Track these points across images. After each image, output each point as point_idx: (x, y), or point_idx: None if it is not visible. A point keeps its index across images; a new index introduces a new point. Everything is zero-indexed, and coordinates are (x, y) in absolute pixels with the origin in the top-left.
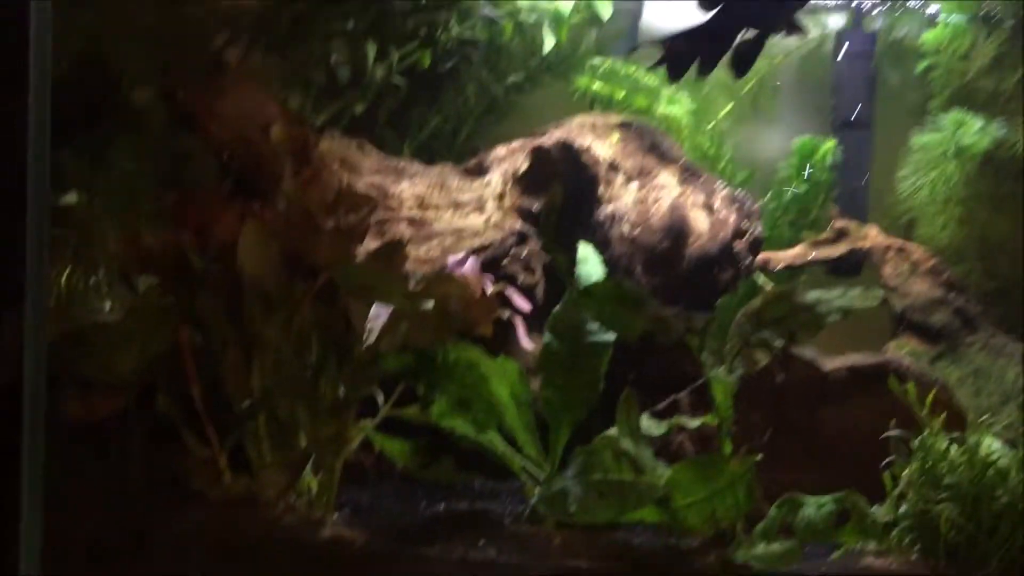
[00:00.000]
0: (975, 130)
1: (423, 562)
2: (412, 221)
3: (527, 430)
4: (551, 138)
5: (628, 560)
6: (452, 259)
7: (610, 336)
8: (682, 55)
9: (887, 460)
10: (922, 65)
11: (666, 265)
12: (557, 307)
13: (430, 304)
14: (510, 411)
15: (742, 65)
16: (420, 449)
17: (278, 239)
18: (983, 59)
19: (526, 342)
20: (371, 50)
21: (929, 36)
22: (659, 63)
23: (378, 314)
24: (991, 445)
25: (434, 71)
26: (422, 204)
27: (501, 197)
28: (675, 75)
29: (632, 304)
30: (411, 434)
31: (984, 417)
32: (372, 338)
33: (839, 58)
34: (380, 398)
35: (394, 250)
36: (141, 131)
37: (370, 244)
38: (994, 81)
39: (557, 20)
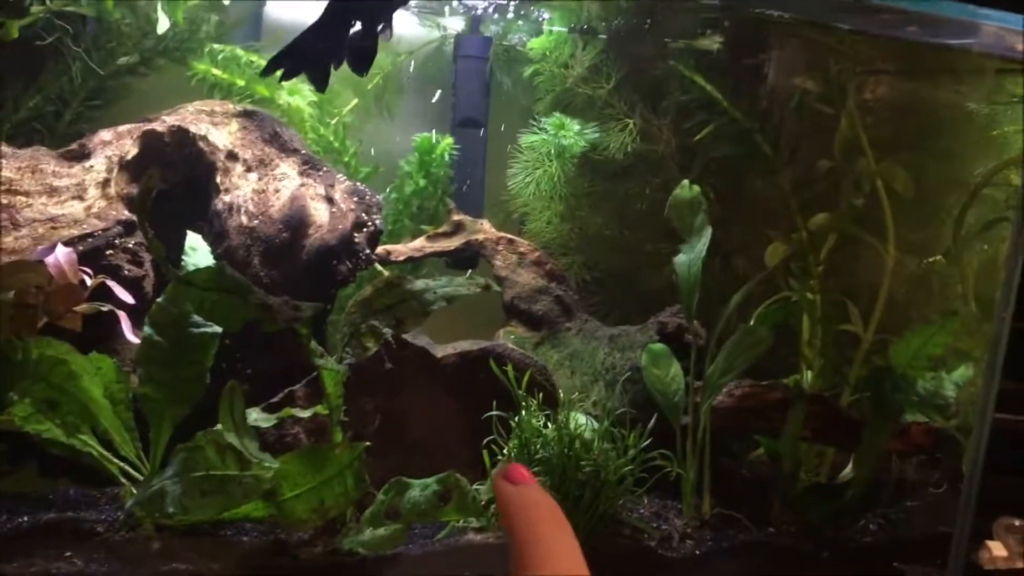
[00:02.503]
0: (573, 133)
1: None
2: (5, 207)
3: (125, 430)
4: (164, 123)
5: (232, 558)
6: (40, 248)
7: (217, 328)
8: (311, 59)
9: (487, 439)
10: (529, 70)
11: (285, 256)
12: (159, 298)
13: (6, 295)
14: (105, 411)
15: (361, 63)
16: None
17: None
18: (581, 68)
19: (131, 336)
20: None
21: (535, 43)
22: (278, 69)
23: None
24: (578, 420)
25: (32, 47)
26: (9, 189)
27: (106, 184)
28: (321, 85)
29: (235, 292)
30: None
31: (575, 395)
32: None
33: (458, 60)
34: None
35: None
36: None
37: None
38: (590, 88)
39: (173, 1)
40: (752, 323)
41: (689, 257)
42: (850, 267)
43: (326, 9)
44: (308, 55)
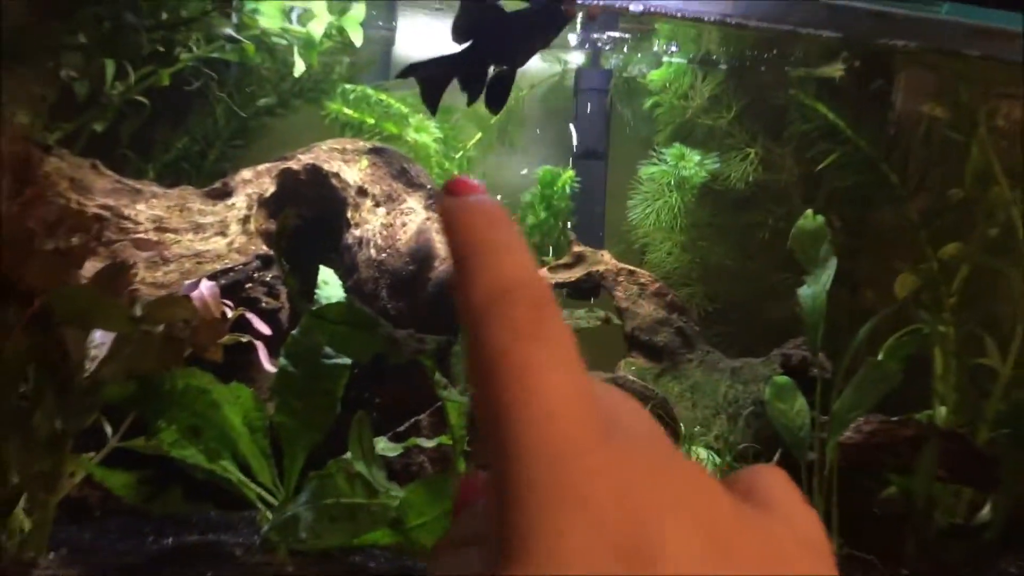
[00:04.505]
0: (694, 163)
1: None
2: (145, 243)
3: (262, 457)
4: (299, 162)
5: None
6: (187, 284)
7: (347, 360)
8: (436, 83)
9: None
10: (649, 102)
11: (411, 288)
12: (294, 331)
13: (156, 329)
14: (244, 438)
15: (497, 101)
16: (146, 481)
17: None
18: (701, 98)
19: (268, 366)
20: (109, 66)
21: (655, 75)
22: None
23: (101, 341)
24: (700, 454)
25: (180, 91)
26: (160, 227)
27: (246, 220)
28: (431, 106)
29: (364, 326)
30: (148, 466)
31: (696, 429)
32: (93, 366)
33: (578, 93)
34: (109, 429)
35: (116, 273)
36: None
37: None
38: (711, 119)
39: (308, 44)
40: (881, 356)
41: (813, 289)
42: (986, 298)
43: (466, 48)
44: (430, 77)
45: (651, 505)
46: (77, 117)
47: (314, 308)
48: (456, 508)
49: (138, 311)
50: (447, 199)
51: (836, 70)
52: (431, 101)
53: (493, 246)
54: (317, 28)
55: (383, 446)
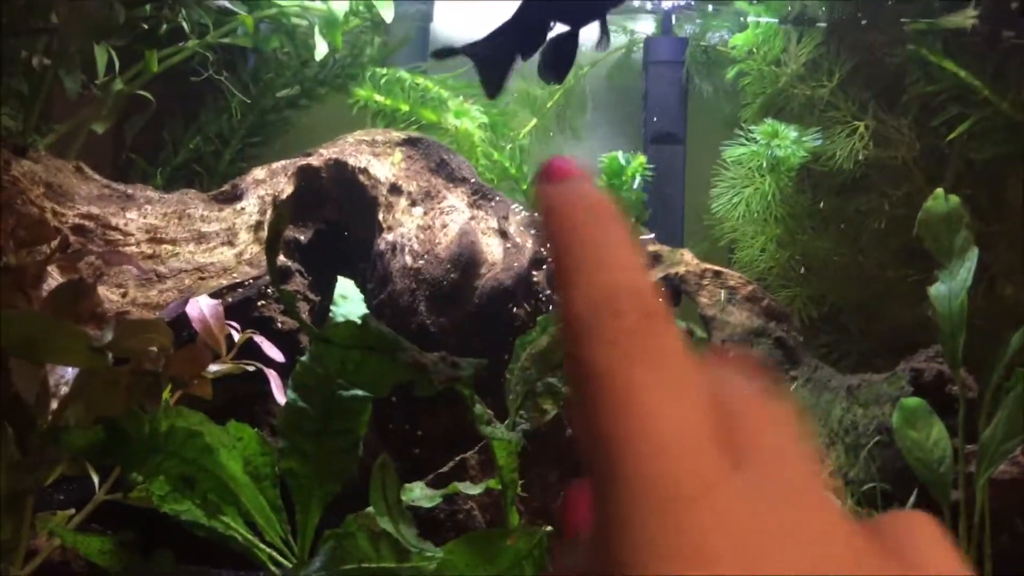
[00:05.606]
0: (789, 141)
1: None
2: (119, 256)
3: (271, 511)
4: (321, 157)
5: None
6: (172, 304)
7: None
8: (498, 63)
9: None
10: (732, 71)
11: (454, 300)
12: (303, 357)
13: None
14: (246, 489)
15: (558, 69)
16: (127, 544)
17: None
18: (796, 64)
19: (281, 398)
20: (100, 55)
21: (738, 39)
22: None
23: (65, 377)
24: None
25: (189, 84)
26: (154, 238)
27: (258, 227)
28: (492, 90)
29: (383, 350)
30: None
31: None
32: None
33: (648, 66)
34: (97, 480)
35: (77, 294)
36: None
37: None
38: (809, 87)
39: (330, 23)
40: None
41: (950, 287)
42: None
43: (520, 6)
44: (484, 55)
45: (779, 561)
46: (71, 116)
47: (321, 329)
48: (563, 530)
49: (107, 337)
50: (543, 186)
51: (967, 17)
52: (495, 85)
53: (596, 245)
54: (340, 4)
55: (418, 494)
